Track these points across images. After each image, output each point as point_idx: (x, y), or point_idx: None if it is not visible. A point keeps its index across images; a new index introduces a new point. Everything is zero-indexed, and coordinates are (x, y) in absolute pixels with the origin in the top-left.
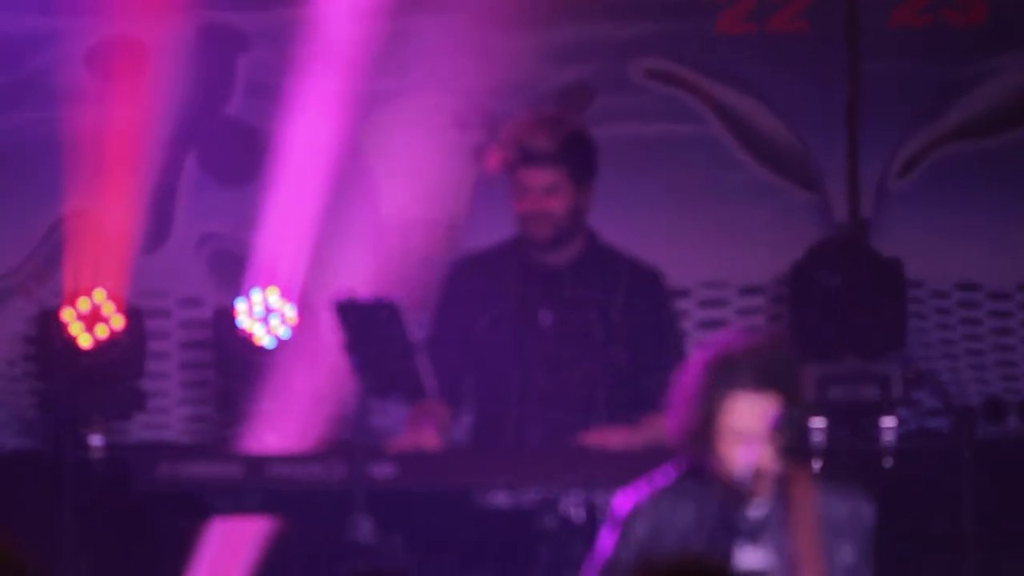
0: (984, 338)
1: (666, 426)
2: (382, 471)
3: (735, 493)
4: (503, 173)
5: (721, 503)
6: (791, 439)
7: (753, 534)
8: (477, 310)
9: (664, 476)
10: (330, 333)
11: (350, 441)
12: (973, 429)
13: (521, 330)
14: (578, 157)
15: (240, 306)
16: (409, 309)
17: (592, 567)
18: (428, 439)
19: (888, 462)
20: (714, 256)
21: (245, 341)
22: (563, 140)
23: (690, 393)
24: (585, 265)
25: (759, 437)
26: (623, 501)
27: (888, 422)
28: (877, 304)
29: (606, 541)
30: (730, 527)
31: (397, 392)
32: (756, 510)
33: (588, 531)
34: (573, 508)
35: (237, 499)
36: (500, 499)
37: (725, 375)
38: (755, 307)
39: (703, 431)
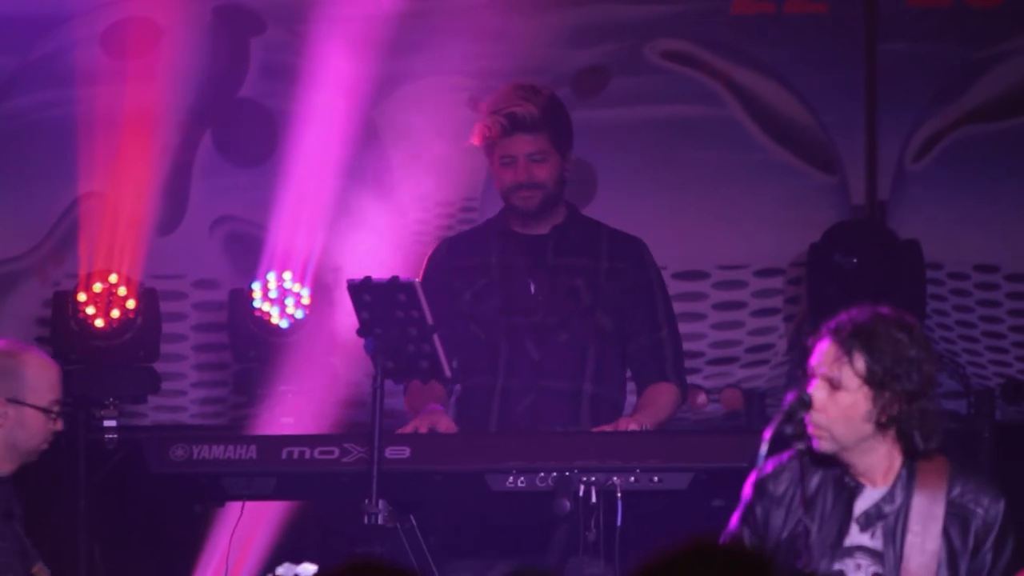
0: (1002, 320)
1: None
2: (398, 453)
3: (860, 473)
4: (485, 147)
5: (843, 482)
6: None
7: (869, 518)
8: (462, 284)
9: (794, 450)
10: (345, 315)
11: (366, 424)
12: (992, 411)
13: (508, 300)
14: (559, 123)
15: (255, 288)
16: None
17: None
18: (442, 421)
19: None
20: (731, 238)
21: (260, 323)
22: (545, 106)
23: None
24: (567, 233)
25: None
26: (752, 474)
27: None
28: (895, 286)
29: (734, 515)
30: (848, 507)
31: (413, 374)
32: (877, 493)
33: (603, 513)
34: (588, 490)
35: (252, 482)
36: (515, 482)
37: None
38: (772, 289)
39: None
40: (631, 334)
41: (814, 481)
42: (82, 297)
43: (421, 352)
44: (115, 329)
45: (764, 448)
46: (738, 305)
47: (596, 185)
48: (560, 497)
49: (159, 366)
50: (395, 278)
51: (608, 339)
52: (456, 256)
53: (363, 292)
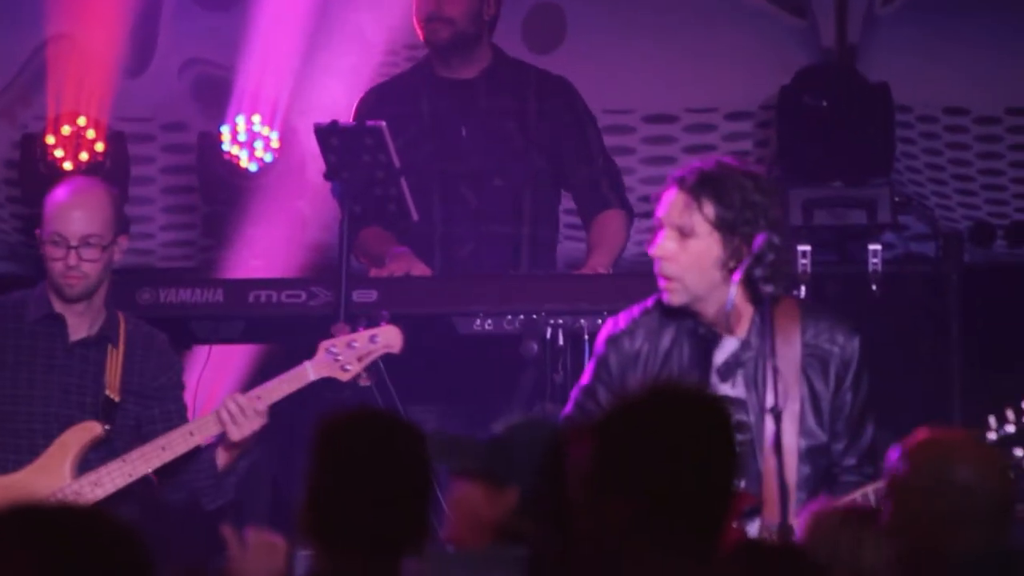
0: (971, 162)
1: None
2: (365, 297)
3: (713, 323)
4: None
5: (698, 334)
6: (775, 265)
7: (728, 368)
8: (393, 133)
9: (648, 302)
10: (314, 159)
11: (334, 267)
12: (960, 253)
13: (440, 147)
14: None
15: (224, 131)
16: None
17: (573, 393)
18: (416, 265)
19: (875, 287)
20: (701, 82)
21: (229, 166)
22: None
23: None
24: (495, 76)
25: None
26: (604, 329)
27: (875, 247)
28: (864, 129)
29: (587, 367)
30: (705, 358)
31: (380, 217)
32: (733, 342)
33: (570, 356)
34: (556, 333)
35: (219, 325)
36: (483, 324)
37: None
38: (742, 132)
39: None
40: (568, 172)
41: (668, 336)
42: (50, 140)
43: (388, 195)
44: (83, 172)
45: (732, 291)
46: (708, 148)
47: (565, 28)
48: (527, 340)
49: (127, 209)
50: (362, 122)
51: (543, 180)
52: (385, 104)
53: (330, 136)
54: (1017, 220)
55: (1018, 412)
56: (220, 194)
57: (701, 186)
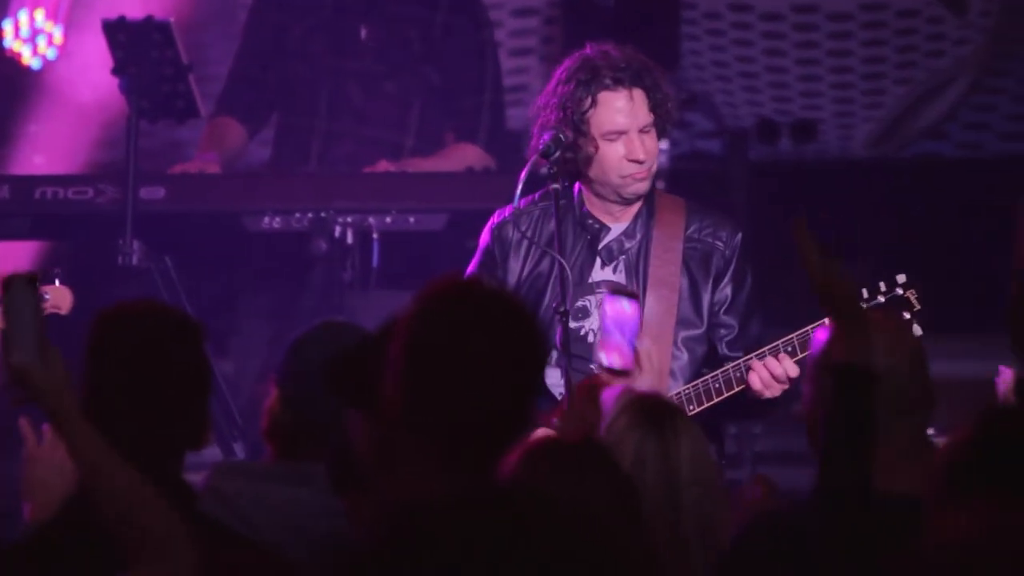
0: (756, 60)
1: (530, 145)
2: (152, 194)
3: (605, 212)
4: None
5: (583, 221)
6: None
7: (611, 253)
8: (293, 19)
9: (534, 195)
10: (99, 54)
11: (120, 163)
12: (745, 150)
13: (337, 42)
14: None
15: (6, 27)
16: (181, 31)
17: None
18: (210, 164)
19: (661, 184)
20: None
21: (12, 63)
22: None
23: (557, 104)
24: None
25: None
26: (491, 220)
27: (661, 144)
28: (650, 26)
29: (473, 259)
30: (588, 245)
31: (168, 114)
32: (617, 230)
33: (359, 254)
34: (345, 231)
35: (5, 223)
36: (271, 223)
37: (588, 77)
38: (528, 29)
39: (572, 142)
40: (456, 93)
41: (551, 223)
42: None
43: (176, 92)
44: None
45: (519, 189)
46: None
47: None
48: (316, 238)
49: None
50: (149, 17)
51: (434, 96)
52: None
53: (118, 31)
54: (802, 118)
55: (890, 284)
56: (2, 91)
57: (652, 80)
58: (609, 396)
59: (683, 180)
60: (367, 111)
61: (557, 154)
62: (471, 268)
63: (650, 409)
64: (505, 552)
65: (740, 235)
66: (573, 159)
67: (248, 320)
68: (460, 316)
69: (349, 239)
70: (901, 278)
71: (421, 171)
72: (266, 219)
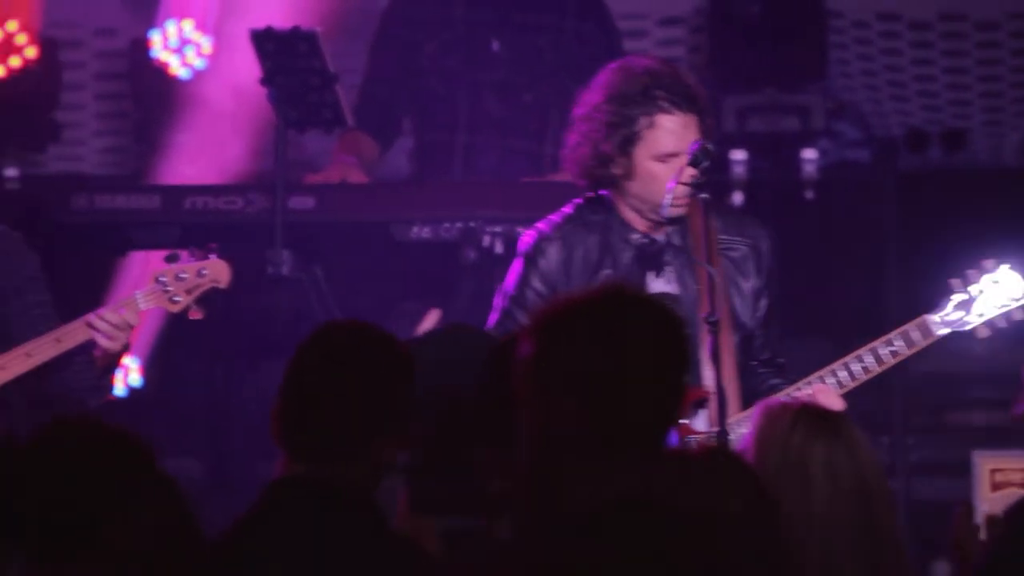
0: (905, 69)
1: (566, 156)
2: (302, 203)
3: (642, 223)
4: None
5: (625, 234)
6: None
7: (659, 264)
8: (424, 36)
9: (568, 209)
10: (248, 64)
11: (270, 173)
12: (895, 160)
13: (471, 56)
14: None
15: (155, 37)
16: (327, 40)
17: (498, 302)
18: (353, 173)
19: (810, 194)
20: None
21: (161, 72)
22: None
23: (604, 120)
24: None
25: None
26: (526, 237)
27: (809, 153)
28: (797, 34)
29: (511, 276)
30: (637, 257)
31: (316, 123)
32: (660, 240)
33: (508, 263)
34: (493, 240)
35: (156, 232)
36: (421, 232)
37: (643, 96)
38: (675, 38)
39: (617, 158)
40: None
41: (594, 239)
42: None
43: (323, 101)
44: (14, 78)
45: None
46: (641, 53)
47: None
48: (465, 247)
49: (59, 115)
50: (296, 27)
51: (570, 104)
52: (417, 6)
53: (265, 41)
54: (951, 127)
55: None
56: (152, 100)
57: (704, 109)
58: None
59: (831, 190)
60: (506, 122)
61: (705, 164)
62: (510, 287)
63: (824, 418)
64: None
65: (766, 229)
66: (611, 173)
67: (398, 330)
68: (621, 326)
69: (498, 248)
70: None
71: (568, 180)
72: (415, 229)
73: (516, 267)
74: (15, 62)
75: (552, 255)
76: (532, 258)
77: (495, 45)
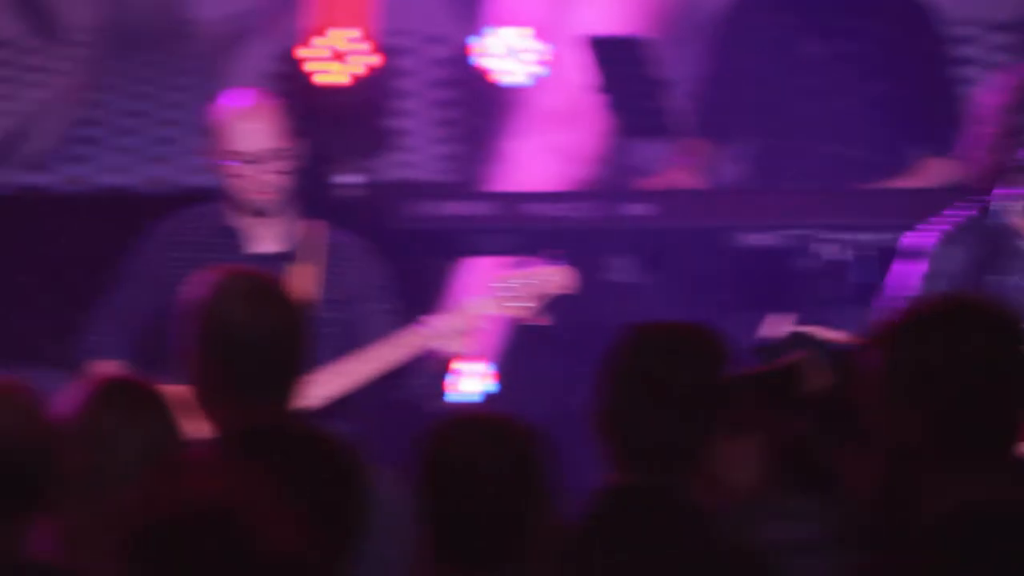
0: None
1: (967, 158)
2: (639, 210)
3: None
4: None
5: (1000, 242)
6: None
7: None
8: (755, 47)
9: (966, 211)
10: (582, 71)
11: (606, 180)
12: None
13: (789, 62)
14: None
15: (483, 44)
16: (662, 46)
17: (893, 298)
18: (687, 178)
19: None
20: None
21: (491, 79)
22: None
23: (1003, 131)
24: None
25: None
26: (919, 237)
27: None
28: None
29: (909, 277)
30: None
31: (653, 130)
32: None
33: (840, 270)
34: (826, 247)
35: (490, 238)
36: (759, 238)
37: None
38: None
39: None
40: (911, 105)
41: (987, 246)
42: (313, 53)
43: (659, 108)
44: (349, 87)
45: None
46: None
47: None
48: (799, 254)
49: (392, 122)
50: (633, 35)
51: (890, 109)
52: (754, 11)
53: (603, 48)
54: None
55: None
56: (485, 108)
57: None
58: None
59: None
60: (827, 128)
61: None
62: (905, 288)
63: None
64: None
65: None
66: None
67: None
68: (969, 334)
69: (830, 255)
70: None
71: (901, 187)
72: (754, 235)
73: (909, 268)
74: (359, 70)
75: (939, 255)
76: (928, 257)
77: (812, 49)
